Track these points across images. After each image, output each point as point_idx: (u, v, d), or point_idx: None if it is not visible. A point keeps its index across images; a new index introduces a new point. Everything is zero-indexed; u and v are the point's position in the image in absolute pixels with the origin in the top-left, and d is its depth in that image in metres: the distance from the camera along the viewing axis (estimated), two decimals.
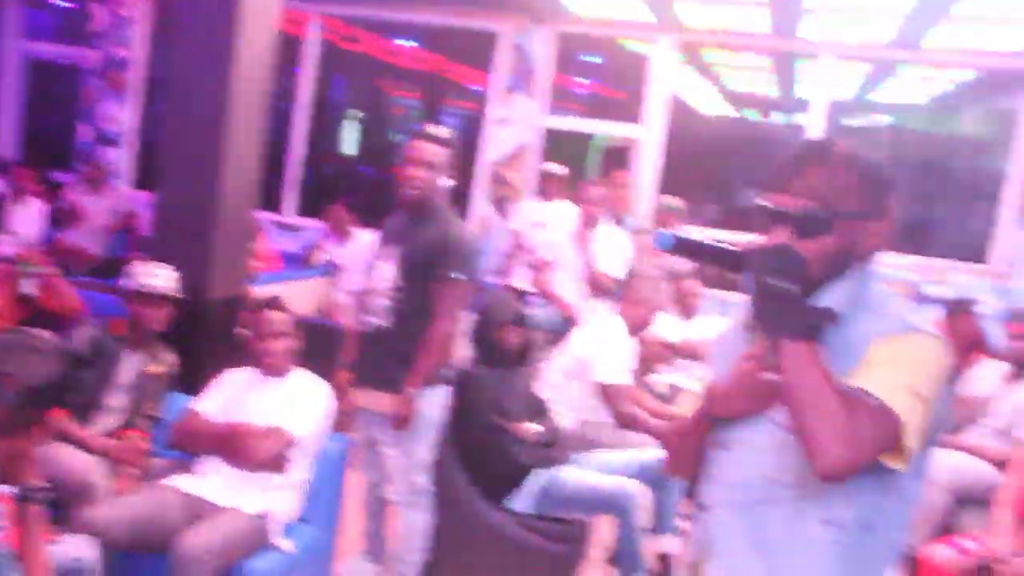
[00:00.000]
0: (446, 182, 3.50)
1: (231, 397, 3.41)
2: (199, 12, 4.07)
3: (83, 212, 7.39)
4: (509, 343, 3.70)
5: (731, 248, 1.55)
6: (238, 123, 4.07)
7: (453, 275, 3.38)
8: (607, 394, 4.19)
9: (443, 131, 3.48)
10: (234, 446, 3.26)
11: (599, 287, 5.67)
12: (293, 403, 3.34)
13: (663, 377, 4.98)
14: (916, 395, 1.43)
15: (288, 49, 8.38)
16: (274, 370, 3.41)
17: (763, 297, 1.49)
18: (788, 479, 1.52)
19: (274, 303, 3.47)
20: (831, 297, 1.54)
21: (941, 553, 3.64)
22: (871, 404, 1.40)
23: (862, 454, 1.39)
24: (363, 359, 3.57)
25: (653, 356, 4.77)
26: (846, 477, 1.41)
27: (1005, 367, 4.77)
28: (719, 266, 1.55)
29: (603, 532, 3.90)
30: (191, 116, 4.09)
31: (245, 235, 4.41)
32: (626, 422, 4.19)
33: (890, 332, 1.51)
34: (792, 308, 1.47)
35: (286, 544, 3.24)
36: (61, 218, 7.30)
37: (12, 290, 4.67)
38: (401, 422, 3.43)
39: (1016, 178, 7.29)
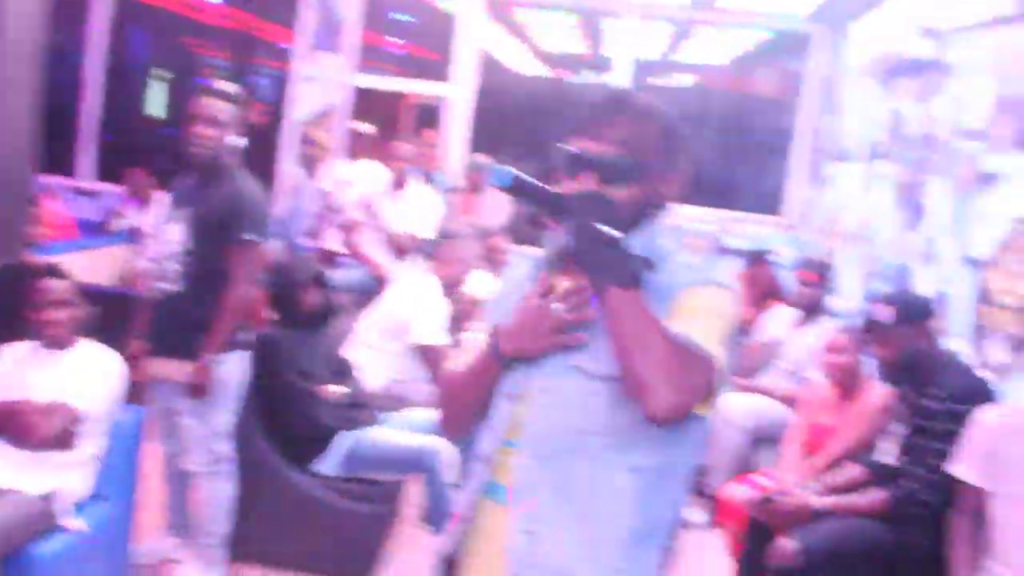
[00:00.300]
0: (236, 140, 3.36)
1: (10, 373, 3.19)
2: None
3: None
4: (309, 304, 3.62)
5: (558, 193, 1.54)
6: (4, 77, 3.78)
7: (246, 236, 3.27)
8: (425, 355, 4.19)
9: (230, 87, 3.35)
10: (14, 424, 3.06)
11: (408, 247, 5.63)
12: (79, 376, 3.16)
13: (475, 334, 5.02)
14: (721, 344, 1.47)
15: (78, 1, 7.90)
16: (56, 342, 3.21)
17: (587, 243, 1.47)
18: (596, 428, 1.51)
19: (53, 270, 3.26)
20: (634, 246, 1.54)
21: (736, 490, 3.84)
22: (698, 351, 1.43)
23: (692, 399, 1.42)
24: (156, 327, 3.42)
25: (465, 313, 4.79)
26: (675, 421, 1.42)
27: (795, 313, 5.06)
28: (546, 210, 1.54)
29: (414, 491, 3.92)
30: None
31: (21, 199, 4.12)
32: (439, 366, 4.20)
33: (696, 283, 1.54)
34: (616, 255, 1.47)
35: (77, 523, 3.07)
36: None
37: None
38: (198, 390, 3.31)
39: (803, 135, 7.71)
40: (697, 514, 4.64)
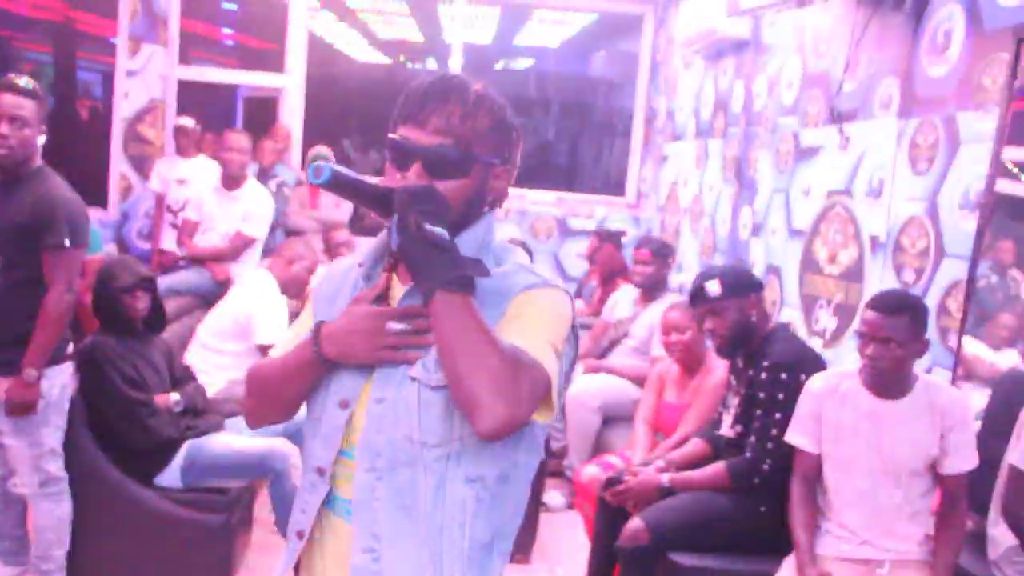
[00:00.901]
0: (39, 138, 3.16)
1: None
2: None
3: None
4: (135, 309, 3.46)
5: (383, 187, 1.44)
6: None
7: (62, 242, 3.09)
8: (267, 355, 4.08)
9: (27, 80, 3.14)
10: None
11: (242, 246, 5.48)
12: None
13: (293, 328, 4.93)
14: (556, 349, 1.42)
15: None
16: None
17: (412, 241, 1.36)
18: (433, 439, 1.43)
19: None
20: (464, 245, 1.46)
21: (588, 471, 3.90)
22: (528, 361, 1.35)
23: (525, 412, 1.33)
24: None
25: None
26: (506, 435, 1.34)
27: (639, 291, 5.18)
28: (371, 206, 1.44)
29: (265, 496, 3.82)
30: None
31: None
32: None
33: (531, 287, 1.47)
34: (443, 256, 1.36)
35: None
36: None
37: None
38: (20, 407, 3.12)
39: (639, 116, 7.90)
40: (556, 497, 4.71)
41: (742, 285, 3.27)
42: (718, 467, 3.20)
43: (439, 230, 1.36)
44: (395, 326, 1.46)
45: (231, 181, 5.54)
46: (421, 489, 1.44)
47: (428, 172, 1.44)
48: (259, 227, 5.51)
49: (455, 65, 7.82)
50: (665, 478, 3.29)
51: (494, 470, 1.48)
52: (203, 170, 6.14)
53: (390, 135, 1.49)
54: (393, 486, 1.45)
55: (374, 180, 1.47)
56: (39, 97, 3.13)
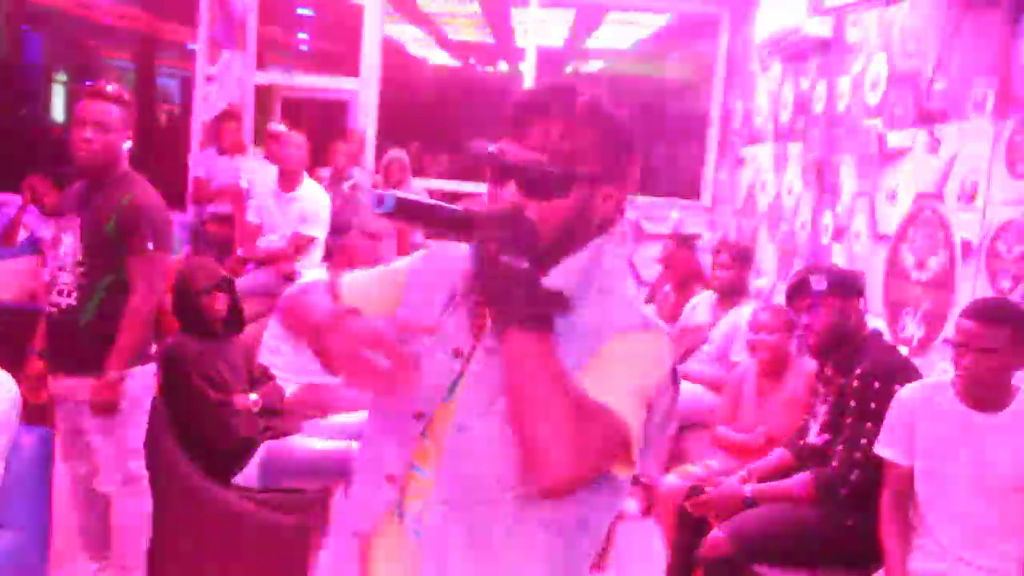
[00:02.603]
0: (124, 143, 3.21)
1: None
2: None
3: None
4: (215, 310, 3.49)
5: (460, 212, 1.30)
6: None
7: (145, 246, 3.12)
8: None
9: (114, 87, 3.19)
10: None
11: (300, 247, 5.54)
12: None
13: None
14: (644, 399, 1.30)
15: None
16: None
17: (490, 273, 1.25)
18: (513, 480, 1.33)
19: None
20: (564, 275, 1.35)
21: (668, 481, 3.83)
22: (603, 413, 1.24)
23: (588, 467, 1.24)
24: (54, 343, 3.26)
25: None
26: (567, 491, 1.26)
27: (717, 296, 5.08)
28: (446, 232, 1.30)
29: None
30: None
31: None
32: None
33: (628, 328, 1.34)
34: (522, 290, 1.24)
35: None
36: None
37: None
38: (105, 407, 3.16)
39: (715, 118, 7.78)
40: (631, 504, 4.64)
41: (848, 286, 3.17)
42: (803, 477, 3.11)
43: (516, 261, 1.24)
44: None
45: (287, 180, 5.59)
46: (497, 529, 1.36)
47: (523, 191, 1.33)
48: (316, 227, 5.55)
49: (527, 68, 7.79)
50: (748, 489, 3.21)
51: (567, 515, 1.37)
52: (263, 173, 6.21)
53: (489, 148, 1.37)
54: (467, 522, 1.37)
55: (448, 205, 1.33)
56: (124, 103, 3.18)
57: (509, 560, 1.36)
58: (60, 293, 3.19)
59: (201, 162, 6.93)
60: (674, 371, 1.38)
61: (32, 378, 3.34)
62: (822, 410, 3.21)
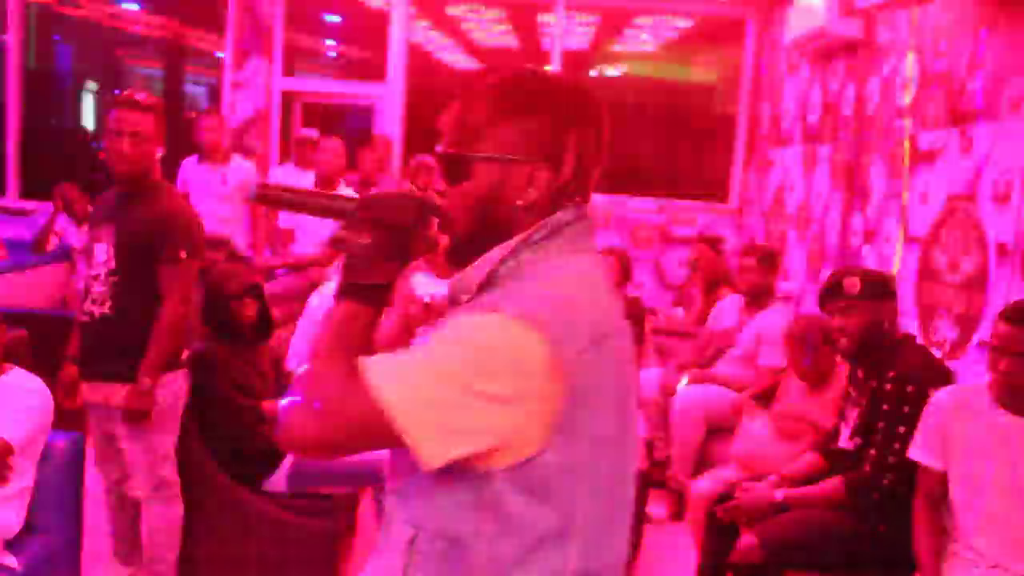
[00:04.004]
0: (156, 152, 3.23)
1: None
2: None
3: None
4: (244, 316, 3.50)
5: (329, 196, 1.37)
6: None
7: (177, 255, 3.14)
8: None
9: (146, 96, 3.21)
10: None
11: (333, 252, 5.55)
12: (5, 405, 3.01)
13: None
14: (455, 383, 1.17)
15: None
16: None
17: (339, 250, 1.31)
18: (388, 472, 1.38)
19: None
20: (481, 262, 1.30)
21: (699, 485, 3.80)
22: (354, 378, 1.18)
23: (322, 433, 1.19)
24: (87, 350, 3.28)
25: (413, 318, 4.70)
26: (304, 451, 1.26)
27: (743, 299, 5.05)
28: (316, 214, 1.37)
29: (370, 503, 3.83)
30: None
31: None
32: None
33: (472, 310, 1.24)
34: (355, 264, 1.28)
35: (10, 560, 2.94)
36: None
37: None
38: (136, 414, 3.18)
39: (742, 121, 7.74)
40: (658, 508, 4.62)
41: (881, 289, 3.13)
42: (835, 482, 3.07)
43: (358, 237, 1.28)
44: None
45: (322, 186, 5.61)
46: (391, 524, 1.34)
47: (444, 179, 1.34)
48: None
49: (551, 70, 7.80)
50: (779, 493, 3.18)
51: (430, 521, 1.27)
52: (296, 179, 6.23)
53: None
54: (386, 516, 1.38)
55: (328, 192, 1.42)
56: (158, 112, 3.20)
57: (386, 555, 1.32)
58: (94, 301, 3.22)
59: (183, 172, 6.13)
60: (551, 370, 1.19)
61: (65, 384, 3.36)
62: (854, 413, 3.18)
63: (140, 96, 3.19)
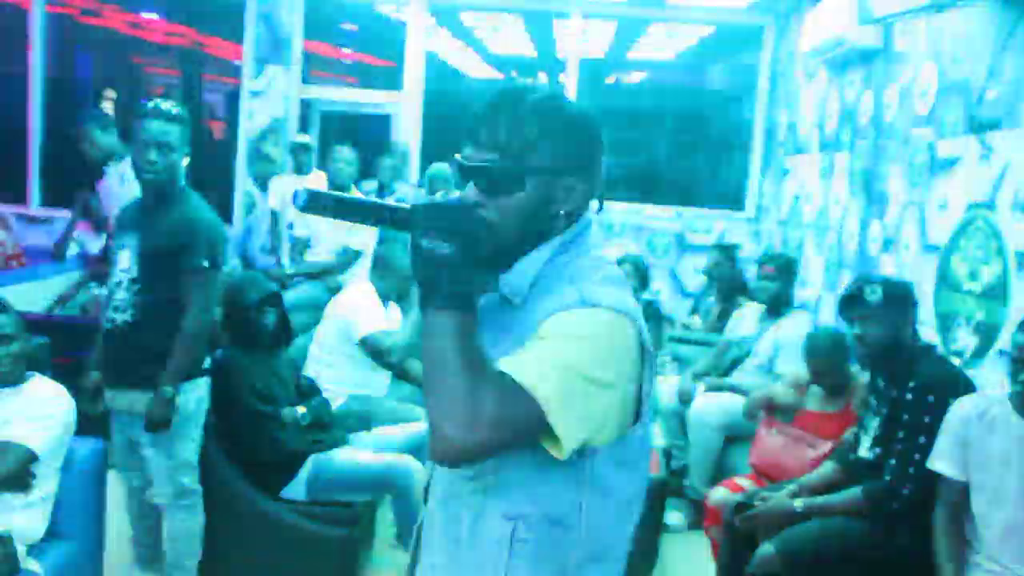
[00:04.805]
0: (183, 161, 3.25)
1: None
2: None
3: None
4: (264, 324, 3.52)
5: (377, 202, 1.40)
6: None
7: (200, 263, 3.16)
8: (369, 347, 4.07)
9: (173, 105, 3.23)
10: None
11: (349, 259, 5.58)
12: (28, 412, 3.04)
13: None
14: (577, 374, 1.28)
15: (15, 23, 7.74)
16: (3, 378, 3.09)
17: (415, 257, 1.32)
18: (469, 471, 1.39)
19: None
20: (528, 265, 1.41)
21: (717, 494, 3.79)
22: (502, 385, 1.25)
23: (482, 439, 1.23)
24: (110, 357, 3.31)
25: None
26: (463, 461, 1.28)
27: (761, 307, 5.04)
28: (365, 221, 1.40)
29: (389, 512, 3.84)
30: None
31: None
32: (402, 376, 4.13)
33: (564, 308, 1.34)
34: (443, 272, 1.30)
35: (33, 565, 2.96)
36: None
37: None
38: (158, 421, 3.20)
39: (759, 128, 7.73)
40: (676, 517, 4.61)
41: (903, 298, 3.12)
42: (855, 492, 3.06)
43: (440, 246, 1.30)
44: None
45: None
46: (464, 523, 1.41)
47: (482, 190, 1.40)
48: (365, 239, 5.58)
49: (568, 80, 7.80)
50: (798, 503, 3.17)
51: (535, 508, 1.37)
52: (314, 186, 6.26)
53: (455, 156, 1.46)
54: (446, 517, 1.45)
55: (377, 200, 1.43)
56: (184, 121, 3.22)
57: (476, 554, 1.40)
58: (116, 309, 3.24)
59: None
60: (643, 348, 1.37)
61: (88, 390, 3.38)
62: (874, 423, 3.17)
63: (167, 106, 3.22)
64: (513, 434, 1.27)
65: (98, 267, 5.83)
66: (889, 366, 3.10)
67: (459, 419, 1.22)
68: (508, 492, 1.37)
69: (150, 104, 3.22)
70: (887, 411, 3.08)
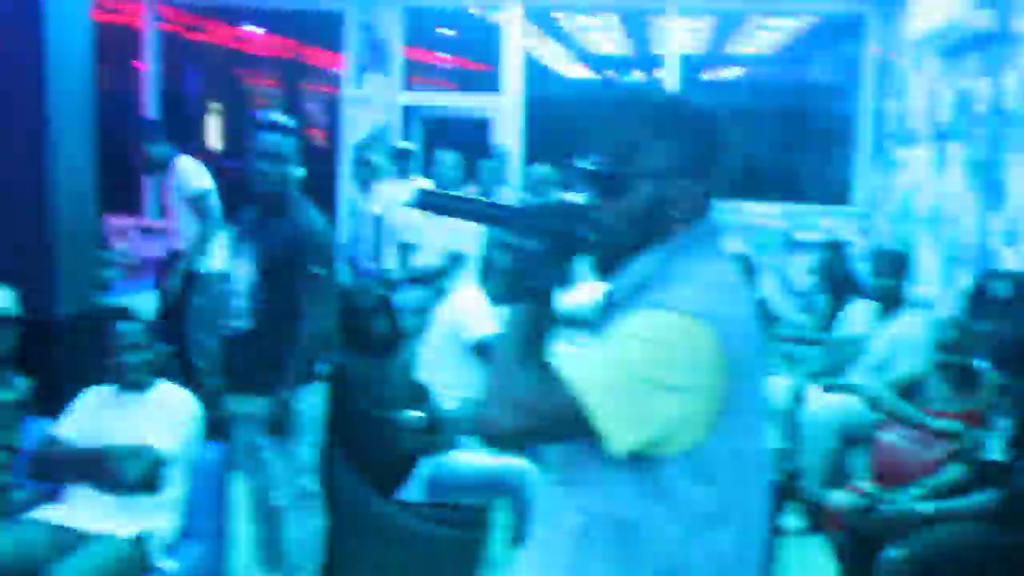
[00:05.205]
0: (297, 172, 3.34)
1: (91, 418, 3.21)
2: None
3: None
4: (378, 330, 3.58)
5: (484, 201, 1.49)
6: (60, 123, 3.80)
7: (315, 271, 3.24)
8: (482, 350, 4.08)
9: (287, 119, 3.32)
10: (99, 470, 3.06)
11: (454, 262, 5.62)
12: (158, 418, 3.16)
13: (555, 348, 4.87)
14: (631, 373, 1.30)
15: (127, 42, 8.03)
16: (133, 385, 3.22)
17: (506, 254, 1.41)
18: (556, 461, 1.47)
19: (125, 313, 3.27)
20: (638, 267, 1.42)
21: (838, 497, 3.69)
22: (544, 372, 1.33)
23: (520, 422, 1.31)
24: (230, 364, 3.41)
25: None
26: (508, 444, 1.40)
27: (874, 305, 4.90)
28: (476, 220, 1.47)
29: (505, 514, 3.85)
30: (6, 121, 3.81)
31: (89, 244, 4.14)
32: None
33: (645, 307, 1.35)
34: (525, 268, 1.38)
35: (168, 564, 3.07)
36: None
37: None
38: (277, 426, 3.28)
39: (866, 120, 7.52)
40: (793, 519, 4.51)
41: None
42: (988, 494, 2.95)
43: (527, 242, 1.37)
44: None
45: None
46: (548, 509, 1.48)
47: (596, 194, 1.43)
48: (470, 242, 5.60)
49: (666, 77, 7.72)
50: (927, 507, 3.06)
51: (605, 508, 1.38)
52: (401, 192, 6.31)
53: (571, 160, 1.55)
54: (542, 501, 1.57)
55: (487, 200, 1.53)
56: (296, 133, 3.32)
57: (555, 547, 1.43)
58: (235, 316, 3.33)
59: None
60: (720, 359, 1.32)
61: (210, 395, 3.49)
62: (1006, 424, 3.04)
63: (280, 119, 3.31)
64: (553, 423, 1.32)
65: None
66: (1022, 364, 2.98)
67: (501, 403, 1.32)
68: (581, 487, 1.41)
69: (263, 117, 3.31)
70: (1020, 412, 2.96)
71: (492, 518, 3.98)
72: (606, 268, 1.46)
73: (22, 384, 3.45)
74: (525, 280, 1.38)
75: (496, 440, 1.39)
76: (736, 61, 10.30)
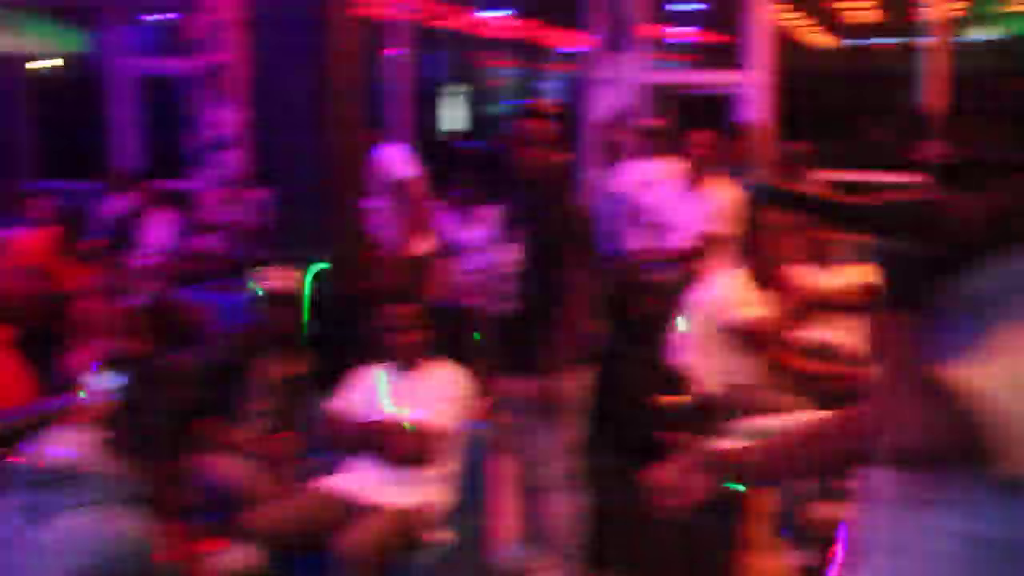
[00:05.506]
0: (561, 157, 3.39)
1: (369, 395, 3.41)
2: (288, 11, 4.04)
3: (216, 217, 7.56)
4: (646, 313, 3.58)
5: (843, 202, 1.33)
6: (338, 114, 4.04)
7: (585, 253, 3.29)
8: (749, 336, 3.99)
9: (549, 106, 3.39)
10: (380, 443, 3.24)
11: (711, 244, 5.49)
12: (433, 395, 3.31)
13: (812, 334, 4.68)
14: None
15: (376, 33, 8.42)
16: (410, 363, 3.38)
17: (879, 259, 1.28)
18: (928, 482, 1.31)
19: (401, 295, 3.45)
20: (997, 269, 1.30)
21: None
22: (936, 387, 1.20)
23: (915, 441, 1.21)
24: (500, 344, 3.52)
25: (794, 312, 4.52)
26: (903, 463, 1.26)
27: None
28: (825, 220, 1.36)
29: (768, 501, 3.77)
30: (290, 113, 4.07)
31: (360, 228, 4.38)
32: (778, 360, 4.02)
33: None
34: (899, 275, 1.26)
35: (444, 535, 3.22)
36: (195, 225, 7.49)
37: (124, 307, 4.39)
38: (546, 406, 3.36)
39: None
40: None
41: None
42: None
43: (914, 248, 1.25)
44: None
45: (695, 179, 5.58)
46: (909, 532, 1.33)
47: (949, 188, 1.30)
48: (725, 224, 5.47)
49: (928, 41, 7.22)
50: None
51: (988, 532, 1.27)
52: (666, 171, 6.22)
53: (921, 155, 1.44)
54: (892, 520, 1.36)
55: (834, 197, 1.36)
56: (560, 119, 3.37)
57: (923, 565, 1.32)
58: (503, 298, 3.44)
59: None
60: None
61: (476, 375, 3.61)
62: None
63: (544, 105, 3.38)
64: (947, 446, 1.21)
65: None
66: None
67: (894, 421, 1.22)
68: (961, 511, 1.28)
69: (528, 104, 3.38)
70: None
71: (749, 503, 3.91)
72: (957, 270, 1.33)
73: (308, 359, 3.71)
74: (897, 287, 1.27)
75: (897, 460, 1.27)
76: (1002, 19, 9.49)
